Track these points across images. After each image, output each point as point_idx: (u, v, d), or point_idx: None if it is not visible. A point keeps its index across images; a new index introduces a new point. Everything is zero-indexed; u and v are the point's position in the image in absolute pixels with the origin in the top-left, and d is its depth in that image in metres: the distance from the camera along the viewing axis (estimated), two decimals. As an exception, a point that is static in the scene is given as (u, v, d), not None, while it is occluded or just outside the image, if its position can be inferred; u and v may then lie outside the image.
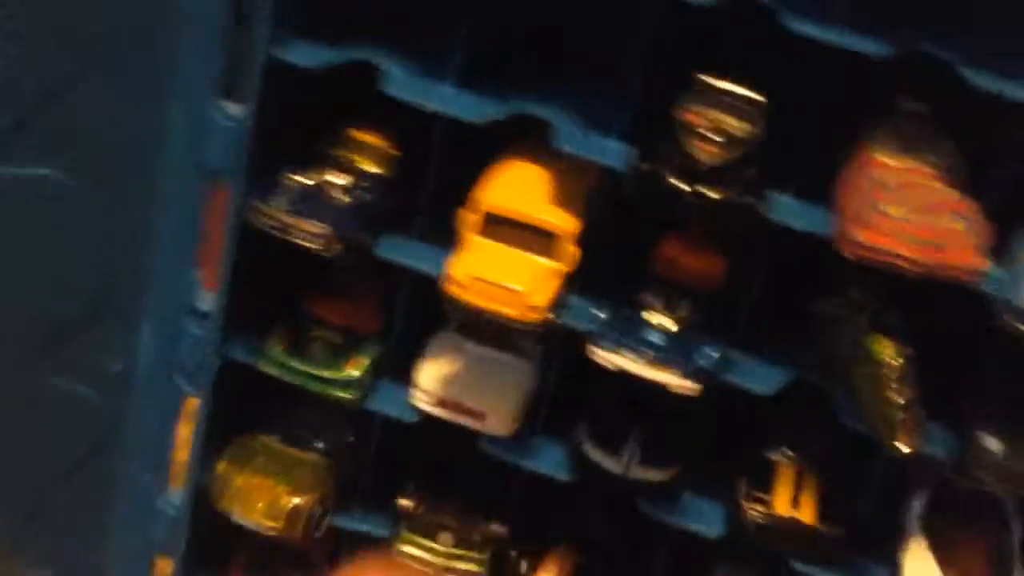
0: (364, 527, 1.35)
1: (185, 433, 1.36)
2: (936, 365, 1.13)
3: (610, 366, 1.16)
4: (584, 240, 1.19)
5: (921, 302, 1.13)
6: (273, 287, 1.29)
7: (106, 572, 1.49)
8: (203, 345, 1.28)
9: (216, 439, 1.33)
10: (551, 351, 1.28)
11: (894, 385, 1.09)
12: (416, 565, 1.31)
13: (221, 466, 1.33)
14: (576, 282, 1.20)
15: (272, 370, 1.28)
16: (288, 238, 1.19)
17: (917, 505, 1.20)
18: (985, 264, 1.05)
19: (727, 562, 1.31)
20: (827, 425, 1.21)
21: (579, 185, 1.21)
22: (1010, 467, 1.11)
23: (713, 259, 1.22)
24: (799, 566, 1.22)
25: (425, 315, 1.29)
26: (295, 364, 1.27)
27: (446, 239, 1.21)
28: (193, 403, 1.33)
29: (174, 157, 1.28)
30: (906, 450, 1.09)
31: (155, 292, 1.33)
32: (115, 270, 1.35)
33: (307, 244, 1.19)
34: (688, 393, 1.15)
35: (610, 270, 1.22)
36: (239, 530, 1.37)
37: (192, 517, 1.37)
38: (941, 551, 1.18)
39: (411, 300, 1.29)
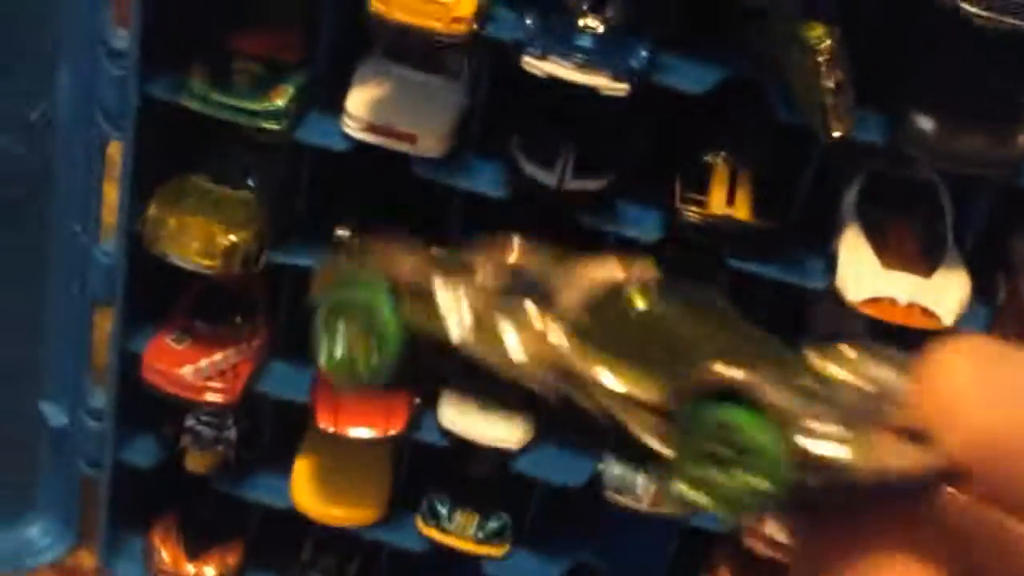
0: (302, 261, 1.35)
1: (112, 179, 1.34)
2: (869, 49, 1.13)
3: (540, 73, 1.15)
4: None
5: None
6: (190, 19, 1.25)
7: (46, 327, 1.48)
8: (122, 84, 1.25)
9: (144, 183, 1.31)
10: (480, 68, 1.26)
11: (824, 69, 1.09)
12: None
13: (152, 209, 1.31)
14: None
15: (195, 105, 1.25)
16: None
17: (851, 195, 1.22)
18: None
19: (666, 271, 1.32)
20: (762, 123, 1.21)
21: None
22: (943, 145, 1.12)
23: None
24: (735, 262, 1.23)
25: (351, 42, 1.27)
26: (218, 97, 1.24)
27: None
28: (117, 147, 1.31)
29: None
30: (837, 134, 1.10)
31: (68, 32, 1.28)
32: (24, 12, 1.30)
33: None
34: (618, 94, 1.14)
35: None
36: (177, 276, 1.36)
37: (128, 264, 1.36)
38: (876, 238, 1.20)
39: (335, 25, 1.26)
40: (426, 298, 0.48)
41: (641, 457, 0.44)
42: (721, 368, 0.42)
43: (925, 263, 1.19)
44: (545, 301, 0.47)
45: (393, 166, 1.26)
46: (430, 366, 0.50)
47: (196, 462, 1.50)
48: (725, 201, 1.23)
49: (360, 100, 1.24)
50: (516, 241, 0.51)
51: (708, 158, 1.25)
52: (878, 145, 1.17)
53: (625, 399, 0.44)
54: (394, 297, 0.49)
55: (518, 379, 0.46)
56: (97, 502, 1.56)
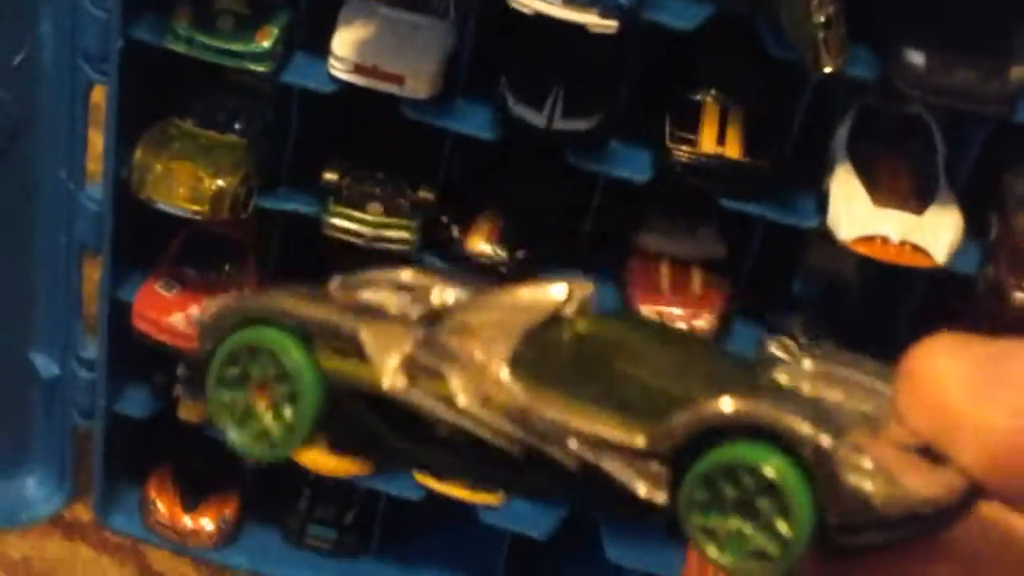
0: (290, 206, 1.34)
1: (97, 124, 1.33)
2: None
3: (527, 11, 1.13)
4: None
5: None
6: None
7: (34, 278, 1.47)
8: (104, 27, 1.24)
9: (129, 128, 1.30)
10: (467, 8, 1.24)
11: (815, 3, 1.07)
12: (346, 237, 1.30)
13: (138, 154, 1.30)
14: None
15: (179, 47, 1.23)
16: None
17: (842, 132, 1.20)
18: None
19: (658, 211, 1.31)
20: (753, 60, 1.19)
21: None
22: (935, 80, 1.10)
23: None
24: (727, 202, 1.22)
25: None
26: (203, 39, 1.23)
27: None
28: (101, 91, 1.29)
29: None
30: (829, 70, 1.08)
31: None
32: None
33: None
34: (607, 31, 1.13)
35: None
36: (165, 222, 1.35)
37: (115, 210, 1.35)
38: (867, 176, 1.19)
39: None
40: (345, 341, 0.41)
41: (619, 506, 0.39)
42: (734, 403, 0.37)
43: (917, 200, 1.17)
44: (470, 335, 0.41)
45: (381, 108, 1.25)
46: (354, 422, 0.43)
47: (190, 411, 1.49)
48: (716, 140, 1.21)
49: (346, 41, 1.23)
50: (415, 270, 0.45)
51: (698, 96, 1.24)
52: (869, 81, 1.15)
53: (603, 444, 0.39)
54: (305, 341, 0.42)
55: (464, 427, 0.40)
56: (92, 454, 1.56)
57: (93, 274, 1.45)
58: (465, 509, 1.47)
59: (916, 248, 1.16)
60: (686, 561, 1.45)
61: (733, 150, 1.21)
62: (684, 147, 1.21)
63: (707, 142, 1.21)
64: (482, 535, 1.49)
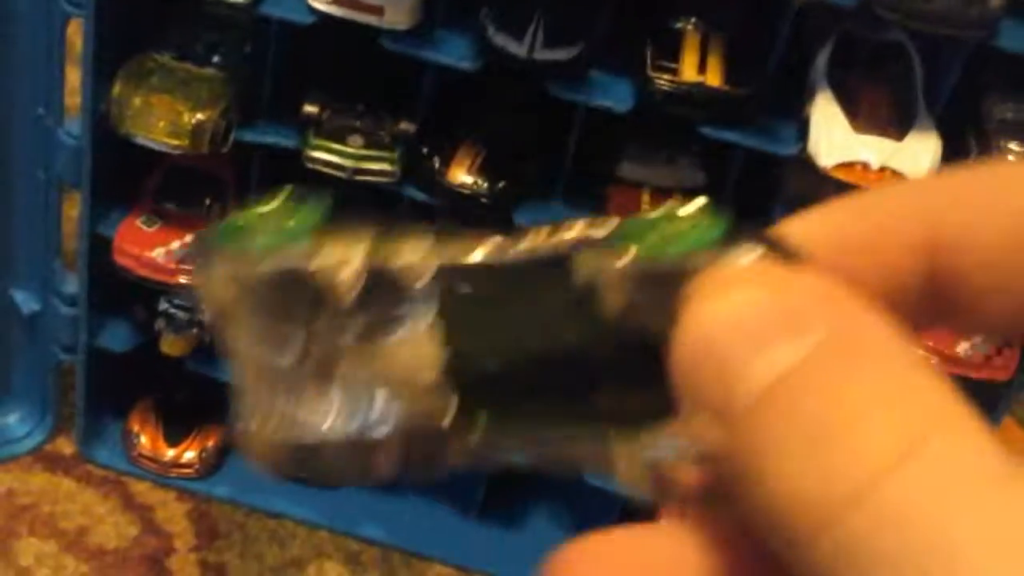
0: (270, 139, 1.33)
1: (74, 59, 1.32)
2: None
3: (507, -61, 1.13)
4: None
5: None
6: None
7: (14, 214, 1.46)
8: (81, -41, 1.22)
9: (107, 62, 1.29)
10: (445, -64, 1.24)
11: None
12: (327, 170, 1.30)
13: (116, 88, 1.29)
14: None
15: (156, -21, 1.23)
16: None
17: (821, 59, 1.20)
18: None
19: (637, 140, 1.31)
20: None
21: None
22: (913, 4, 1.10)
23: None
24: (707, 130, 1.22)
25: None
26: (179, -30, 1.22)
27: None
28: (77, 26, 1.28)
29: None
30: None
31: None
32: None
33: None
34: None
35: None
36: (145, 157, 1.35)
37: (93, 146, 1.34)
38: (847, 102, 1.19)
39: None
40: None
41: None
42: None
43: (897, 126, 1.18)
44: None
45: (361, 40, 1.24)
46: None
47: (171, 346, 1.50)
48: (696, 68, 1.21)
49: (324, -28, 1.22)
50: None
51: (679, 25, 1.24)
52: (849, 7, 1.15)
53: None
54: None
55: None
56: (74, 389, 1.56)
57: (73, 211, 1.44)
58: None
59: (896, 174, 1.16)
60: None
61: (714, 78, 1.21)
62: (665, 76, 1.21)
63: (688, 70, 1.21)
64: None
